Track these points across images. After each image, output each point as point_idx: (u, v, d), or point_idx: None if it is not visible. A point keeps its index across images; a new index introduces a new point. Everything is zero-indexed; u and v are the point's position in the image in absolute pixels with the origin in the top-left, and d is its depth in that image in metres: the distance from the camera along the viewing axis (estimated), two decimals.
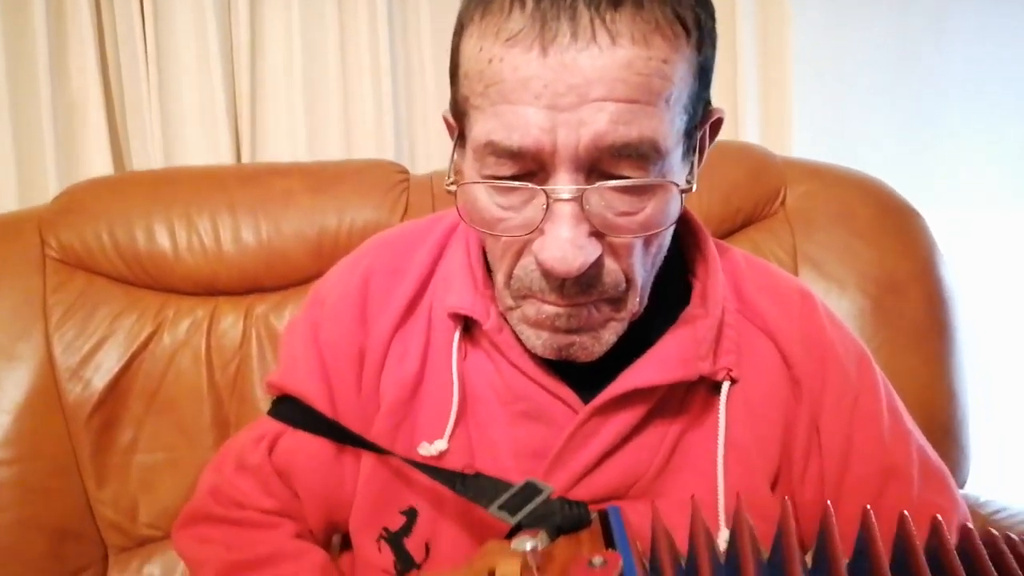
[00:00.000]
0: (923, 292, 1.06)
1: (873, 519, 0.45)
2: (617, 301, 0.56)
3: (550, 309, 0.55)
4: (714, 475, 0.59)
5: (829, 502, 0.48)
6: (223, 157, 1.29)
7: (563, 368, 0.60)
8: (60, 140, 1.22)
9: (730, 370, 0.61)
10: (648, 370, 0.59)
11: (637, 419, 0.60)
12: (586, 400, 0.60)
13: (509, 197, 0.53)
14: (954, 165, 1.50)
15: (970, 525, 0.63)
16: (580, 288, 0.54)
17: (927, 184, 1.35)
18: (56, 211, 1.04)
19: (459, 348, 0.63)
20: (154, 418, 1.01)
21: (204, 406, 1.01)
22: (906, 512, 0.46)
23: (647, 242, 0.55)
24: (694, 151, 0.57)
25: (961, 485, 1.06)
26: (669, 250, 0.61)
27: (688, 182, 0.56)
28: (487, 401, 0.62)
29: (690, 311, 0.62)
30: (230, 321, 1.04)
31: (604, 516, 0.52)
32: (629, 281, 0.55)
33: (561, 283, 0.53)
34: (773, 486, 0.61)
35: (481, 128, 0.51)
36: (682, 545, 0.48)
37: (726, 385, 0.61)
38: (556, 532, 0.50)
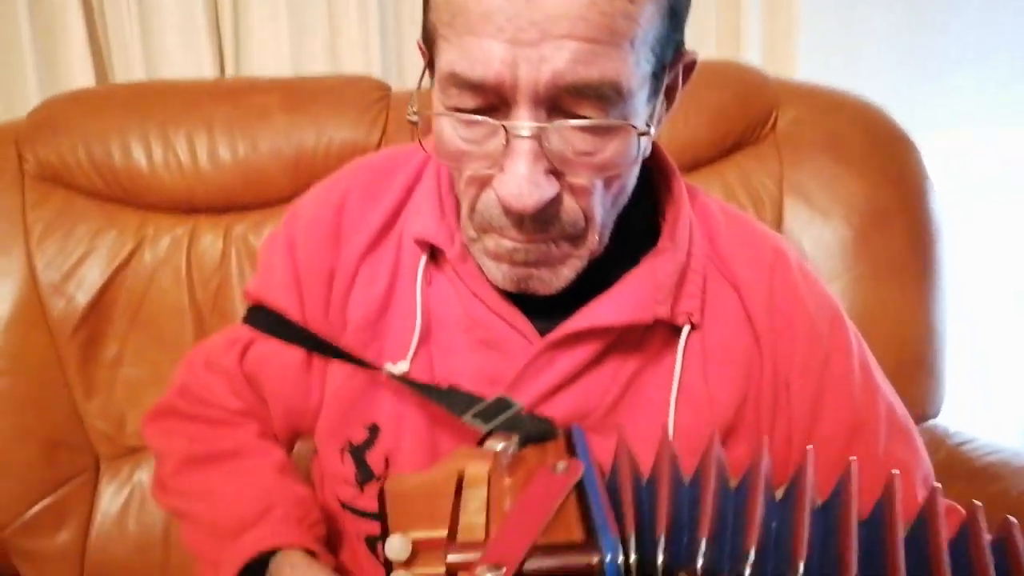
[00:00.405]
0: (907, 224, 1.05)
1: (855, 469, 0.47)
2: (576, 239, 0.56)
3: (508, 243, 0.56)
4: (665, 416, 0.60)
5: (810, 448, 0.50)
6: (206, 70, 1.27)
7: (523, 299, 0.61)
8: (40, 52, 1.20)
9: (691, 315, 0.61)
10: (604, 310, 0.60)
11: (591, 356, 0.61)
12: (544, 332, 0.61)
13: (472, 131, 0.53)
14: (960, 92, 1.45)
15: (936, 485, 0.64)
16: (538, 225, 0.54)
17: (930, 111, 1.31)
18: (32, 126, 1.03)
19: (425, 274, 0.64)
20: (138, 333, 1.03)
21: (186, 322, 1.03)
22: (895, 471, 0.47)
23: (607, 183, 0.55)
24: (660, 93, 0.56)
25: (934, 416, 1.07)
26: (638, 190, 0.60)
27: (648, 125, 0.55)
28: (449, 327, 0.63)
29: (655, 253, 0.62)
30: (209, 240, 1.05)
31: (568, 432, 0.55)
32: (588, 220, 0.55)
33: (520, 219, 0.54)
34: (725, 438, 0.62)
35: (446, 58, 0.51)
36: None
37: (686, 329, 0.61)
38: (524, 442, 0.53)
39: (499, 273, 0.58)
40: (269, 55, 1.29)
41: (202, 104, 1.05)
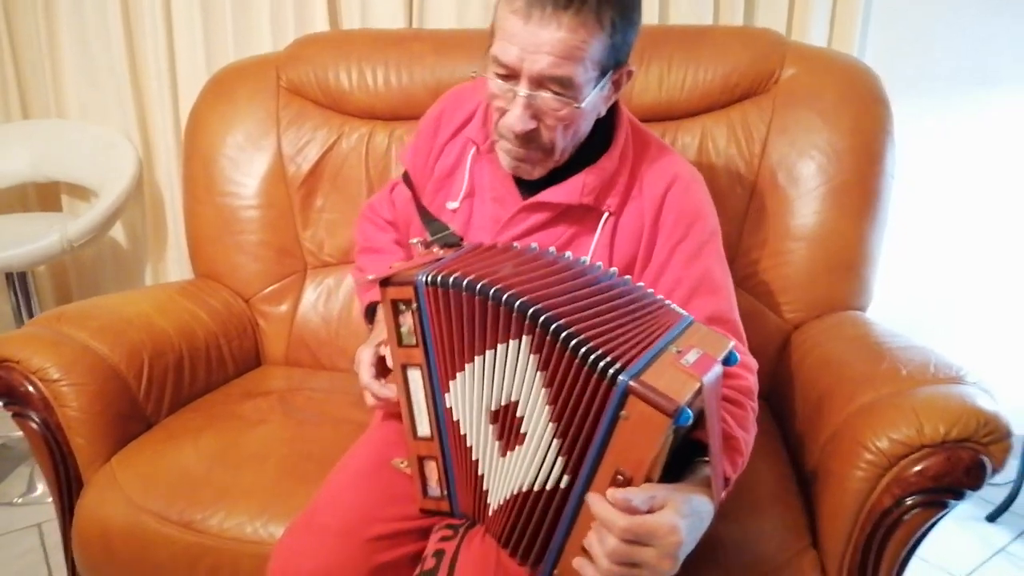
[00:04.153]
0: (856, 164, 1.39)
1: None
2: (545, 153, 1.03)
3: (507, 146, 1.04)
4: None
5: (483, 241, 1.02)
6: (400, 22, 1.85)
7: (520, 182, 1.10)
8: (296, 7, 1.85)
9: (610, 208, 1.07)
10: (552, 194, 1.07)
11: (547, 219, 1.08)
12: (525, 200, 1.10)
13: (500, 86, 1.01)
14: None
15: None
16: (523, 141, 1.01)
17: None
18: (286, 56, 1.67)
19: (475, 158, 1.15)
20: (335, 193, 1.65)
21: (362, 188, 1.64)
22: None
23: (565, 128, 1.00)
24: (605, 87, 1.00)
25: (862, 309, 1.42)
26: (604, 132, 1.07)
27: (595, 106, 1.01)
28: (483, 189, 1.14)
29: (590, 169, 1.06)
30: (380, 137, 1.63)
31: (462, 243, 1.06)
32: (553, 145, 1.02)
33: (514, 136, 1.00)
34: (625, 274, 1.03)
35: (494, 46, 1.00)
36: None
37: (605, 215, 1.07)
38: (444, 246, 1.06)
39: (505, 160, 1.07)
40: (443, 13, 1.84)
41: (383, 48, 1.62)
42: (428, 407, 0.93)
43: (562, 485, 0.83)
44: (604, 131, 1.08)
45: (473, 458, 0.91)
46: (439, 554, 0.92)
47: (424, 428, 0.94)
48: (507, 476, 0.88)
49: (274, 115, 1.66)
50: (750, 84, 1.48)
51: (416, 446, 0.96)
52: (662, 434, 0.73)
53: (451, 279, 0.87)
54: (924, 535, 1.01)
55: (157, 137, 2.07)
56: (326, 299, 1.66)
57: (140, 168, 2.03)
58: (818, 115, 1.42)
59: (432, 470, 0.95)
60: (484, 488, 0.91)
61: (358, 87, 1.63)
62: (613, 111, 1.10)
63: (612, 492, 0.76)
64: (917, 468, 0.99)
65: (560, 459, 0.82)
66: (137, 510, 1.16)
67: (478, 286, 0.85)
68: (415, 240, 1.07)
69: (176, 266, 2.15)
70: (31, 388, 1.23)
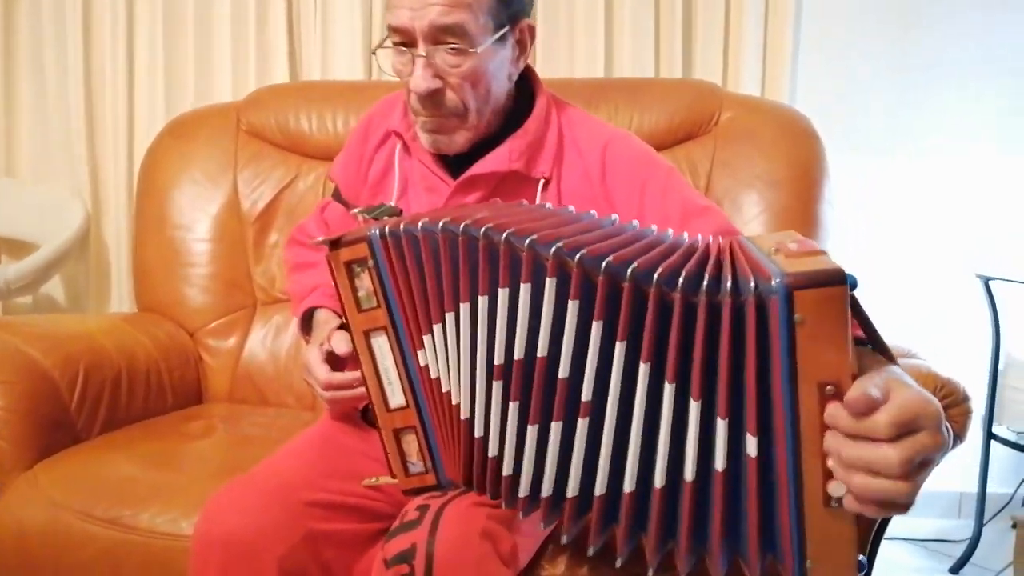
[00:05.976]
0: (795, 190, 1.47)
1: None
2: (459, 117, 1.00)
3: (422, 119, 1.02)
4: None
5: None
6: (357, 73, 1.94)
7: (449, 165, 1.09)
8: (259, 58, 1.93)
9: (543, 173, 1.06)
10: (480, 166, 1.06)
11: (485, 194, 1.07)
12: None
13: (401, 57, 0.98)
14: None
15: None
16: (434, 105, 0.98)
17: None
18: (247, 103, 1.72)
19: (403, 154, 1.14)
20: (290, 229, 1.65)
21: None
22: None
23: (473, 85, 0.98)
24: (506, 43, 1.01)
25: None
26: (526, 103, 1.09)
27: (502, 66, 1.01)
28: (415, 182, 1.14)
29: (513, 136, 1.05)
30: None
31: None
32: (465, 107, 0.99)
33: (422, 101, 0.98)
34: None
35: (387, 17, 0.97)
36: None
37: (541, 182, 1.07)
38: (390, 215, 1.02)
39: (424, 138, 1.03)
40: None
41: (342, 96, 1.69)
42: (400, 372, 0.87)
43: (751, 452, 0.63)
44: (525, 102, 1.10)
45: (462, 416, 0.82)
46: (423, 508, 0.85)
47: (397, 397, 0.87)
48: (569, 455, 0.74)
49: (232, 155, 1.68)
50: (692, 126, 1.58)
51: (391, 419, 0.88)
52: (847, 308, 0.60)
53: (419, 225, 0.81)
54: None
55: (108, 194, 2.05)
56: (275, 335, 1.62)
57: (88, 221, 2.00)
58: (757, 150, 1.51)
59: (411, 442, 0.88)
60: (489, 454, 0.80)
61: (317, 130, 1.68)
62: (530, 82, 1.12)
63: (839, 406, 0.59)
64: None
65: (720, 422, 0.65)
66: (57, 508, 1.07)
67: (461, 227, 0.77)
68: (356, 210, 1.02)
69: None
70: None
